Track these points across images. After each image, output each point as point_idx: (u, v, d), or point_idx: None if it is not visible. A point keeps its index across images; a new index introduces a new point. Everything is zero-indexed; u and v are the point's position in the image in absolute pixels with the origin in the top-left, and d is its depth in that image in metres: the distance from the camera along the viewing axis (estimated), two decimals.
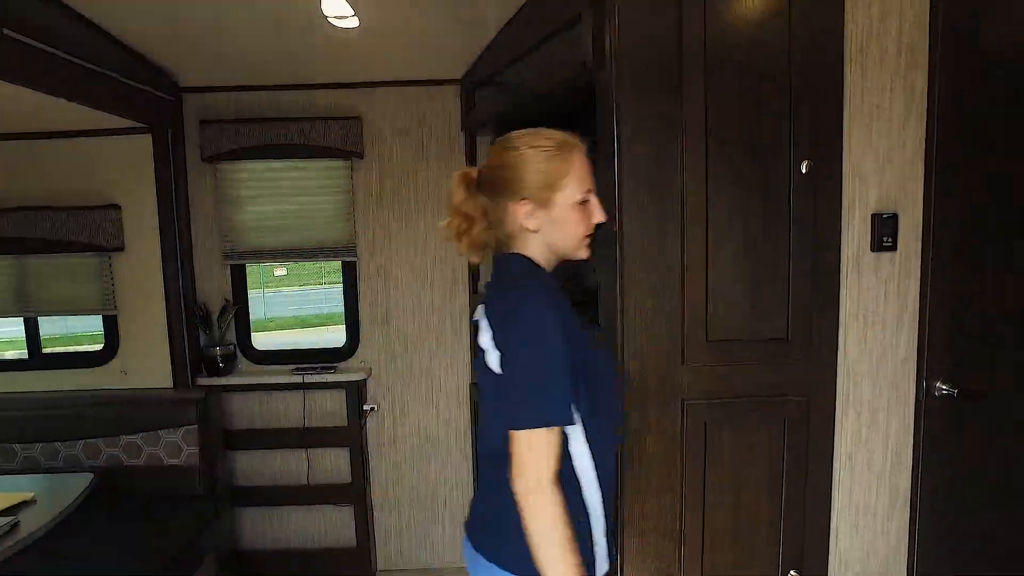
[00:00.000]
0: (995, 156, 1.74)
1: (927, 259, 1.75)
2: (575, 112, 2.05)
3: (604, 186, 1.69)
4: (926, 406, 1.81)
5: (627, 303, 1.70)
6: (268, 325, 13.21)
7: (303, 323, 13.32)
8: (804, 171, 1.65)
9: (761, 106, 1.65)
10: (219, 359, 2.78)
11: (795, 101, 1.65)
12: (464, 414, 2.98)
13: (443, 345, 2.94)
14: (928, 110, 1.71)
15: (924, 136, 1.72)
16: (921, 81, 1.70)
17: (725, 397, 1.75)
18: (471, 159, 2.81)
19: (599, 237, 1.74)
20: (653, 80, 1.64)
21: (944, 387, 1.78)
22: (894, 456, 1.84)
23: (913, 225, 1.75)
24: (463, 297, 2.91)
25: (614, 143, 1.65)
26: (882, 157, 1.71)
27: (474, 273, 2.84)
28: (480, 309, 1.26)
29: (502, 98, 2.36)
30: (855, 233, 1.73)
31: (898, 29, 1.68)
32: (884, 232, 1.72)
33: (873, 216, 1.72)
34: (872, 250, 1.73)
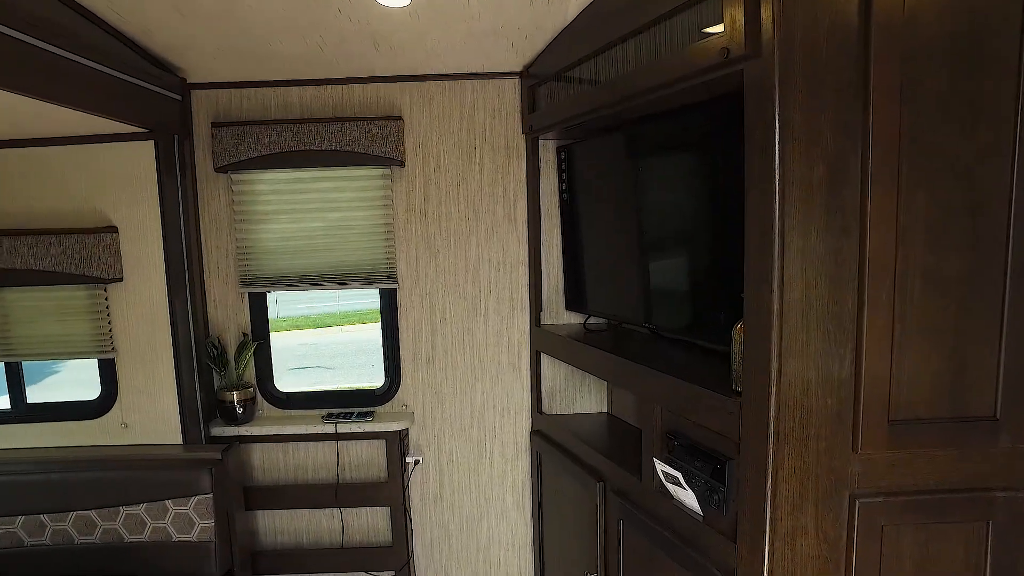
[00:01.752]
0: None
1: None
2: (705, 116, 1.61)
3: (757, 218, 1.26)
4: None
5: (784, 368, 1.25)
6: (281, 325, 12.59)
7: (316, 323, 12.78)
8: None
9: (982, 108, 1.19)
10: (236, 405, 2.35)
11: None
12: (523, 465, 2.53)
13: (499, 386, 2.49)
14: None
15: None
16: None
17: (909, 492, 1.32)
18: (534, 168, 2.35)
19: (748, 278, 1.32)
20: (829, 74, 1.18)
21: None
22: None
23: None
24: (523, 329, 2.46)
25: (773, 161, 1.20)
26: None
27: (537, 301, 2.39)
28: None
29: (585, 96, 1.90)
30: None
31: None
32: None
33: None
34: None
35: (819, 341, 1.26)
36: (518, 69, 2.32)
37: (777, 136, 1.19)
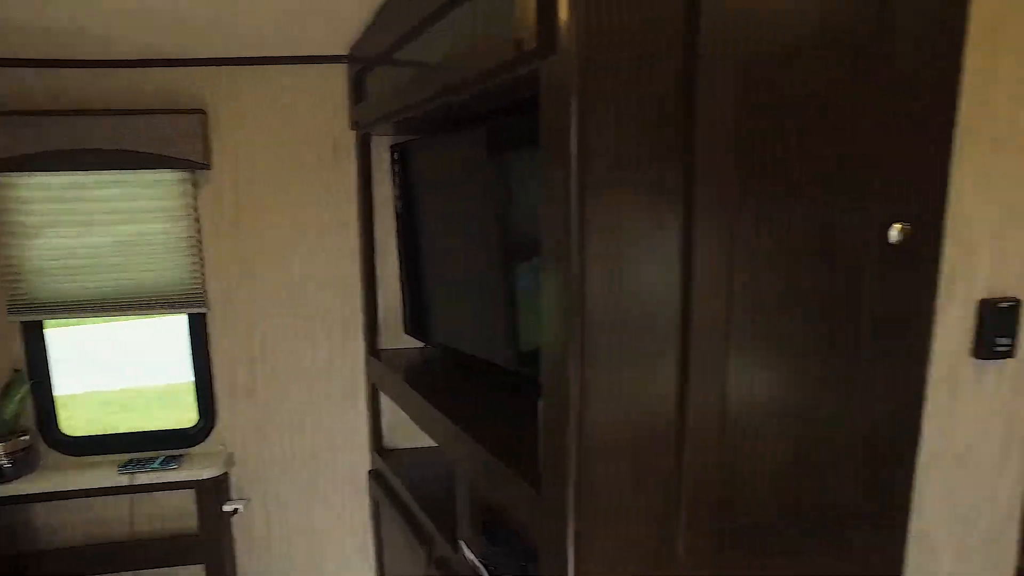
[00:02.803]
0: None
1: None
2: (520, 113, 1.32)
3: (553, 246, 0.96)
4: None
5: (583, 467, 0.98)
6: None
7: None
8: (895, 239, 0.96)
9: (826, 130, 0.95)
10: (3, 459, 1.94)
11: (884, 121, 0.94)
12: (364, 506, 2.23)
13: (333, 420, 2.18)
14: None
15: None
16: None
17: None
18: (365, 169, 2.02)
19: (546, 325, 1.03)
20: (643, 77, 0.89)
21: None
22: None
23: None
24: (358, 357, 2.15)
25: (568, 180, 0.90)
26: (1002, 212, 1.05)
27: (372, 325, 2.07)
28: None
29: (407, 86, 1.58)
30: (952, 330, 1.07)
31: None
32: (999, 329, 1.06)
33: (983, 304, 1.06)
34: (976, 356, 1.08)
35: (626, 427, 0.99)
36: (344, 52, 1.97)
37: (573, 147, 0.90)
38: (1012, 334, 1.07)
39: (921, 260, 1.00)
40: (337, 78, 2.01)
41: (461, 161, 1.67)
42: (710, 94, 0.87)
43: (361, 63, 1.89)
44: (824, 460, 1.03)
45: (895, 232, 0.96)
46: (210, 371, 2.11)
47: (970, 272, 1.05)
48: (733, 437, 0.95)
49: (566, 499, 0.95)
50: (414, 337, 2.02)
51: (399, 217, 2.00)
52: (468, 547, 1.33)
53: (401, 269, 2.03)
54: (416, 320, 1.97)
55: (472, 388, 1.67)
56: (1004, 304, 1.05)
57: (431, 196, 1.83)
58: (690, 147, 0.87)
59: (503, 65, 1.03)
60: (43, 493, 1.98)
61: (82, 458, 2.10)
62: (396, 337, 2.09)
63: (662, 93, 0.86)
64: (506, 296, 1.43)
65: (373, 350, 2.07)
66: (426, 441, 2.13)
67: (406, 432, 2.13)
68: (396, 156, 1.96)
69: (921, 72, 0.94)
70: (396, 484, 1.97)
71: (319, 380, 2.15)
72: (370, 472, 2.18)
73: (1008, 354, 1.08)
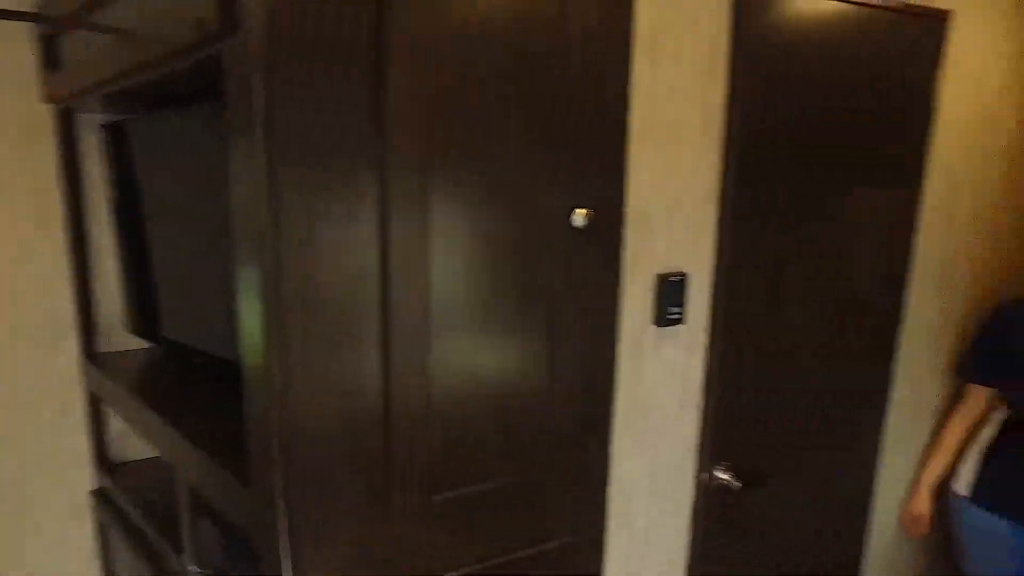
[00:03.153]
0: (781, 195, 1.38)
1: (715, 332, 1.34)
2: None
3: (247, 232, 0.91)
4: (706, 503, 1.44)
5: (290, 456, 0.95)
6: None
7: None
8: (579, 224, 1.08)
9: (519, 119, 1.02)
10: None
11: (566, 117, 1.04)
12: (86, 530, 1.95)
13: (43, 438, 1.87)
14: (726, 134, 1.26)
15: (721, 168, 1.28)
16: (717, 92, 1.24)
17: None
18: (70, 151, 1.74)
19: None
20: (332, 59, 0.88)
21: (724, 477, 1.43)
22: (671, 570, 1.44)
23: (701, 287, 1.31)
24: (72, 363, 1.86)
25: (258, 165, 0.86)
26: (672, 196, 1.23)
27: (87, 327, 1.81)
28: None
29: (106, 56, 1.38)
30: (635, 302, 1.23)
31: (695, 12, 1.18)
32: (671, 300, 1.25)
33: (660, 279, 1.23)
34: (657, 324, 1.25)
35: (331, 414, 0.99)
36: (30, 8, 1.67)
37: (262, 141, 0.85)
38: (681, 303, 1.26)
39: (605, 241, 1.13)
40: (22, 42, 1.70)
41: (179, 142, 1.52)
42: (402, 78, 0.89)
43: (51, 23, 1.62)
44: (529, 428, 1.12)
45: (579, 217, 1.07)
46: None
47: (649, 251, 1.21)
48: (440, 414, 1.00)
49: (274, 490, 0.91)
50: (139, 336, 1.80)
51: (115, 206, 1.76)
52: (195, 562, 1.23)
53: (120, 262, 1.79)
54: (140, 317, 1.76)
55: (196, 386, 1.55)
56: (675, 278, 1.24)
57: (151, 181, 1.64)
58: (382, 131, 0.88)
59: (188, 45, 0.95)
60: None
61: None
62: (123, 339, 1.86)
63: (353, 76, 0.86)
64: (223, 285, 1.33)
65: (90, 355, 1.81)
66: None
67: (140, 441, 1.91)
68: (109, 137, 1.72)
69: (597, 76, 1.06)
70: (126, 503, 1.75)
71: (20, 390, 1.82)
72: (93, 492, 1.91)
73: (679, 320, 1.27)
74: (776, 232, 1.39)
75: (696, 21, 1.17)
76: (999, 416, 1.76)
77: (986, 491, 1.74)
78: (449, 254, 0.96)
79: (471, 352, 1.03)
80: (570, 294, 1.11)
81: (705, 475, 1.42)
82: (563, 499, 1.21)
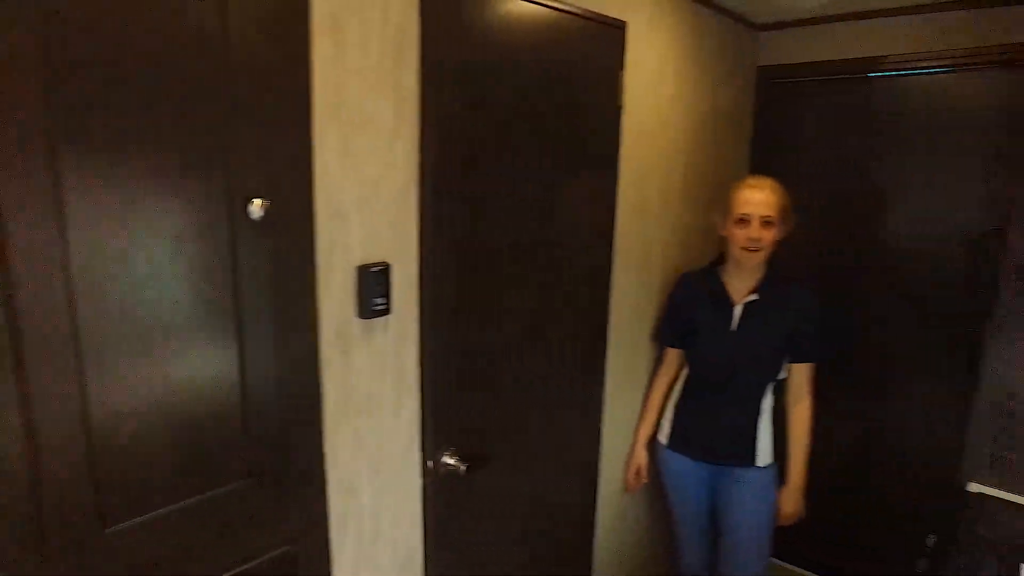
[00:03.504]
0: (488, 182, 1.44)
1: (424, 319, 1.35)
2: None
3: None
4: (436, 491, 1.46)
5: None
6: None
7: None
8: (257, 215, 1.00)
9: (164, 102, 0.91)
10: None
11: (232, 108, 0.96)
12: None
13: None
14: (423, 121, 1.27)
15: (420, 156, 1.28)
16: (410, 78, 1.24)
17: None
18: None
19: None
20: None
21: (451, 462, 1.47)
22: (406, 563, 1.45)
23: (407, 277, 1.31)
24: None
25: None
26: (368, 185, 1.20)
27: None
28: None
29: None
30: (336, 295, 1.19)
31: None
32: (375, 291, 1.23)
33: (360, 270, 1.21)
34: (361, 316, 1.23)
35: None
36: None
37: None
38: (386, 294, 1.25)
39: (291, 232, 1.08)
40: None
41: None
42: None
43: None
44: (222, 438, 1.03)
45: (256, 208, 1.00)
46: None
47: (345, 241, 1.18)
48: (104, 441, 0.87)
49: None
50: None
51: None
52: None
53: None
54: None
55: None
56: (376, 268, 1.22)
57: None
58: None
59: None
60: None
61: None
62: None
63: None
64: None
65: None
66: None
67: None
68: None
69: (265, 57, 0.99)
70: None
71: None
72: None
73: (386, 311, 1.26)
74: (483, 219, 1.45)
75: (384, 5, 1.16)
76: (685, 373, 2.05)
77: (676, 438, 2.03)
78: (99, 260, 0.84)
79: (141, 368, 0.90)
80: (257, 291, 1.03)
81: (431, 463, 1.44)
82: (273, 508, 1.14)
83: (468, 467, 1.48)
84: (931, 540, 1.37)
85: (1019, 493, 1.55)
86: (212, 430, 1.02)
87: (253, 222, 1.00)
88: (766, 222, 1.80)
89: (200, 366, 0.98)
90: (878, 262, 2.40)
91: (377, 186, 1.21)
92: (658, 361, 2.15)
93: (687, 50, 2.04)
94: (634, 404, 2.15)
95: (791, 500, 1.96)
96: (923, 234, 2.30)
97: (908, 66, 2.24)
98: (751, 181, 1.88)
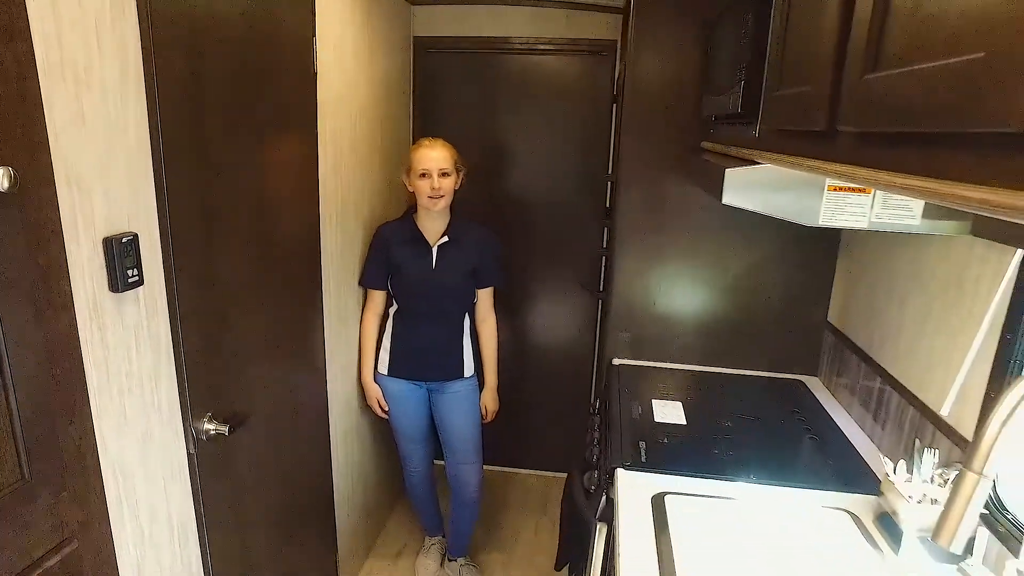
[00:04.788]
0: (214, 145, 1.45)
1: (171, 287, 1.33)
2: None
3: None
4: (201, 458, 1.47)
5: None
6: None
7: None
8: (3, 187, 0.90)
9: None
10: None
11: None
12: None
13: None
14: (150, 81, 1.22)
15: (150, 119, 1.23)
16: (131, 31, 1.18)
17: None
18: None
19: None
20: None
21: (212, 427, 1.49)
22: (182, 535, 1.43)
23: (152, 245, 1.27)
24: None
25: None
26: (105, 150, 1.13)
27: None
28: None
29: None
30: (86, 269, 1.11)
31: None
32: (126, 263, 1.18)
33: (107, 241, 1.14)
34: (114, 290, 1.17)
35: None
36: None
37: None
38: (137, 265, 1.20)
39: (36, 204, 0.99)
40: None
41: None
42: None
43: None
44: None
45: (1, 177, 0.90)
46: None
47: (90, 212, 1.10)
48: None
49: None
50: None
51: None
52: None
53: None
54: None
55: None
56: (125, 239, 1.17)
57: None
58: None
59: None
60: None
61: None
62: None
63: None
64: None
65: None
66: None
67: None
68: None
69: None
70: None
71: None
72: None
73: (139, 283, 1.21)
74: (214, 181, 1.45)
75: None
76: (395, 310, 2.34)
77: (395, 365, 2.33)
78: None
79: None
80: (8, 269, 0.93)
81: (195, 431, 1.43)
82: (50, 506, 1.05)
83: (230, 428, 1.51)
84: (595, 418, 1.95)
85: (642, 360, 2.27)
86: None
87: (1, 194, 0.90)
88: (443, 174, 2.17)
89: None
90: (522, 204, 3.02)
91: (113, 151, 1.15)
92: (366, 304, 2.37)
93: (362, 20, 2.23)
94: (352, 345, 2.35)
95: (491, 398, 2.44)
96: (553, 184, 2.99)
97: (528, 47, 2.83)
98: (425, 142, 2.21)
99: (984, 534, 1.17)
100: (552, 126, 2.92)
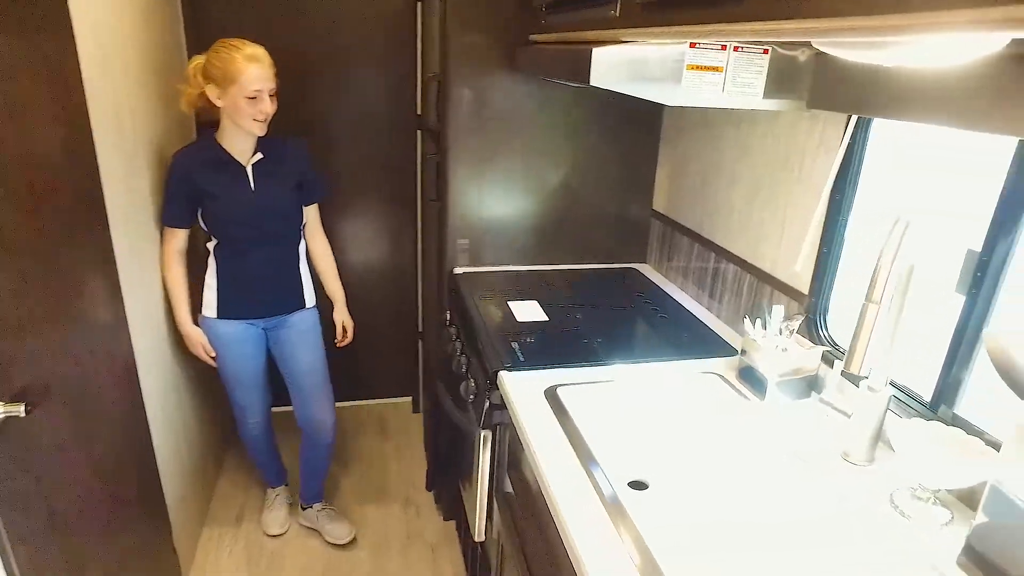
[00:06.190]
0: None
1: None
2: None
3: None
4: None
5: None
6: None
7: None
8: None
9: None
10: None
11: None
12: None
13: None
14: None
15: None
16: None
17: None
18: None
19: None
20: None
21: (1, 410, 1.16)
22: None
23: None
24: None
25: None
26: None
27: None
28: None
29: None
30: None
31: None
32: None
33: None
34: None
35: None
36: None
37: None
38: None
39: None
40: None
41: None
42: None
43: None
44: None
45: None
46: None
47: None
48: None
49: None
50: None
51: None
52: None
53: None
54: None
55: None
56: None
57: None
58: None
59: None
60: None
61: None
62: None
63: None
64: None
65: None
66: None
67: None
68: None
69: None
70: None
71: None
72: None
73: None
74: None
75: None
76: (214, 245, 2.00)
77: (224, 305, 2.02)
78: None
79: None
80: None
81: None
82: None
83: (27, 407, 1.18)
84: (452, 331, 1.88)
85: (483, 267, 2.22)
86: None
87: None
88: (271, 94, 1.85)
89: None
90: (324, 117, 2.74)
91: None
92: (164, 242, 1.99)
93: None
94: (155, 290, 1.98)
95: (342, 314, 2.24)
96: (356, 92, 2.73)
97: None
98: (250, 52, 1.81)
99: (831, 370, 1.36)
100: (354, 30, 2.64)
